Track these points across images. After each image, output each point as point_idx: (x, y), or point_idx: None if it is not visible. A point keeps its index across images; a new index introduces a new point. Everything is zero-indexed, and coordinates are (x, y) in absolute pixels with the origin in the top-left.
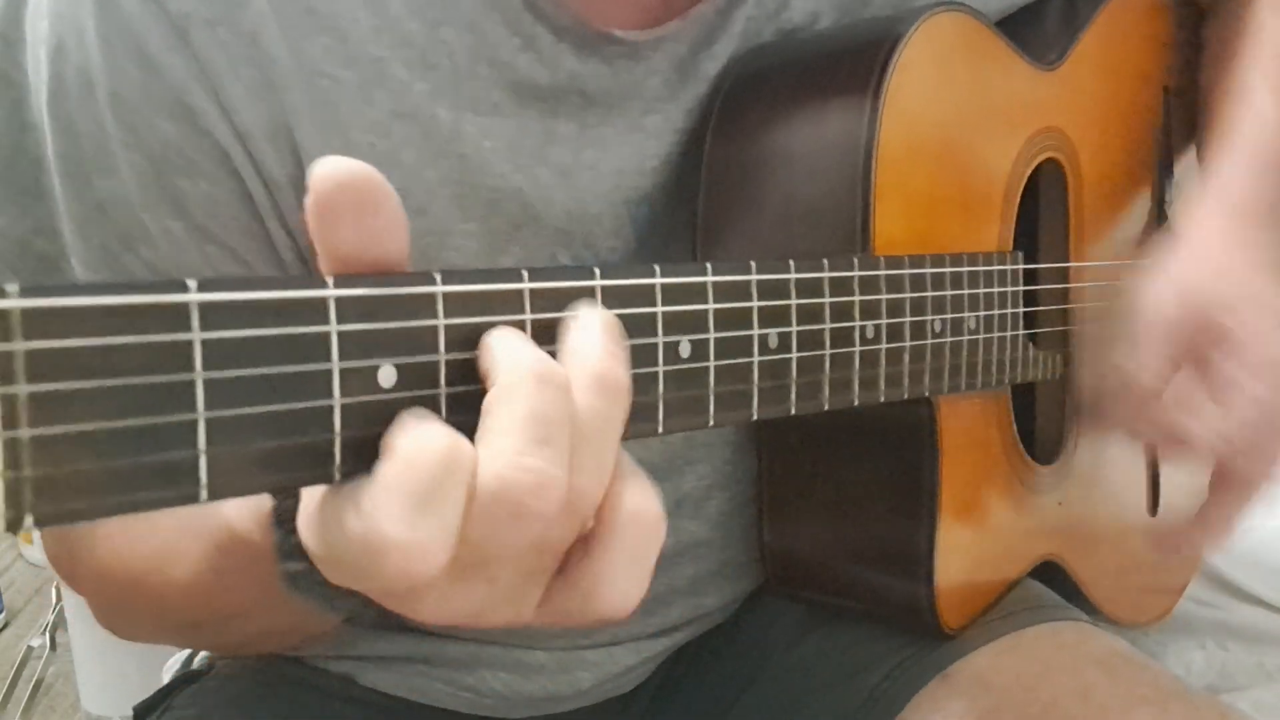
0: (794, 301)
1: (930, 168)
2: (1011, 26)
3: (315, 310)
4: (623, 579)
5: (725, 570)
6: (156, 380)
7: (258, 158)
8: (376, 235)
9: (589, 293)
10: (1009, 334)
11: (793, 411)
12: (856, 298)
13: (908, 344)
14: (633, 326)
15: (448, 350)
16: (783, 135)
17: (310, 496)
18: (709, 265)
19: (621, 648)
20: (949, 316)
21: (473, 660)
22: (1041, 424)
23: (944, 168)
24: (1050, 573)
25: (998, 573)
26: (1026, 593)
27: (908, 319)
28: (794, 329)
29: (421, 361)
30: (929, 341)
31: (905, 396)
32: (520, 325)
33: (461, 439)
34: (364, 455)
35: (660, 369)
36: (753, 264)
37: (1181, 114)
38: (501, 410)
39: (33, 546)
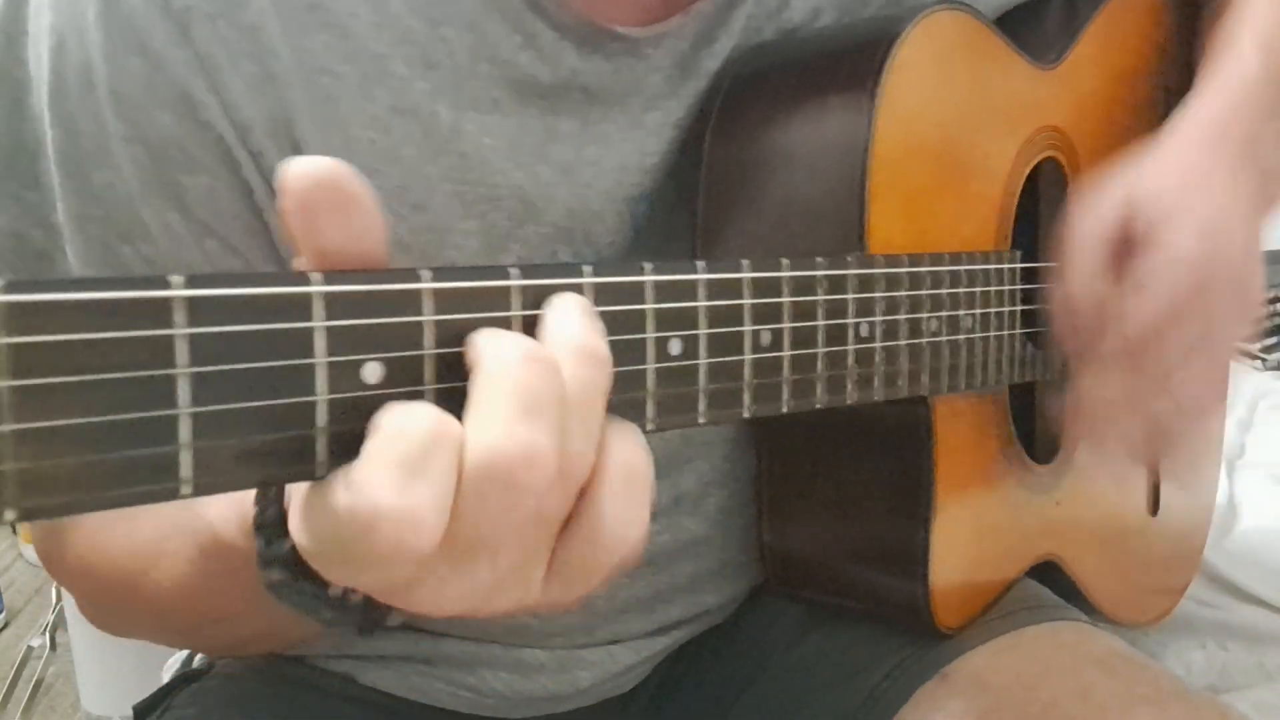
0: (786, 299)
1: (928, 167)
2: (1011, 26)
3: (300, 306)
4: (621, 513)
5: (724, 568)
6: (140, 375)
7: (258, 152)
8: (357, 230)
9: (577, 290)
10: (1006, 333)
11: (785, 410)
12: (850, 295)
13: (903, 343)
14: (623, 323)
15: (435, 347)
16: (781, 134)
17: (299, 494)
18: (700, 263)
19: (621, 646)
20: (945, 315)
21: (473, 659)
22: (1040, 423)
23: (942, 167)
24: (1049, 573)
25: (996, 572)
26: (1025, 592)
27: (903, 317)
28: (786, 326)
29: (408, 357)
30: (925, 340)
31: (901, 396)
32: (508, 322)
33: (448, 415)
34: (349, 451)
35: (650, 366)
36: (744, 262)
37: None
38: (487, 387)
39: (33, 546)
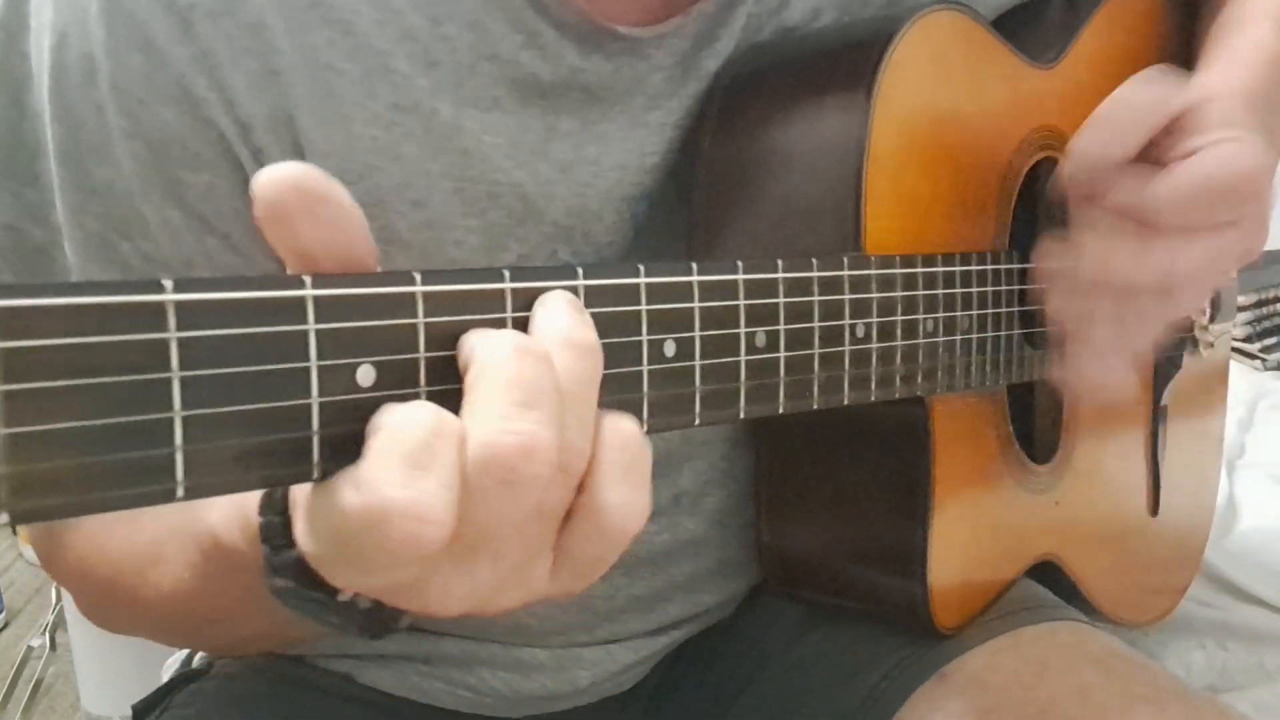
0: (781, 300)
1: (924, 166)
2: (1010, 25)
3: (293, 310)
4: (621, 501)
5: (723, 568)
6: (133, 379)
7: (259, 149)
8: (332, 230)
9: (572, 291)
10: (1004, 333)
11: (781, 411)
12: (846, 296)
13: (899, 343)
14: (617, 325)
15: (427, 349)
16: (778, 134)
17: (303, 500)
18: (694, 265)
19: (620, 646)
20: (941, 315)
21: (472, 659)
22: (1039, 423)
23: (939, 166)
24: (1049, 573)
25: (994, 572)
26: (1024, 592)
27: (899, 318)
28: (781, 328)
29: (401, 360)
30: (921, 341)
31: (898, 396)
32: (500, 324)
33: (447, 412)
34: (343, 453)
35: (645, 368)
36: (739, 263)
37: None
38: (482, 382)
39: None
